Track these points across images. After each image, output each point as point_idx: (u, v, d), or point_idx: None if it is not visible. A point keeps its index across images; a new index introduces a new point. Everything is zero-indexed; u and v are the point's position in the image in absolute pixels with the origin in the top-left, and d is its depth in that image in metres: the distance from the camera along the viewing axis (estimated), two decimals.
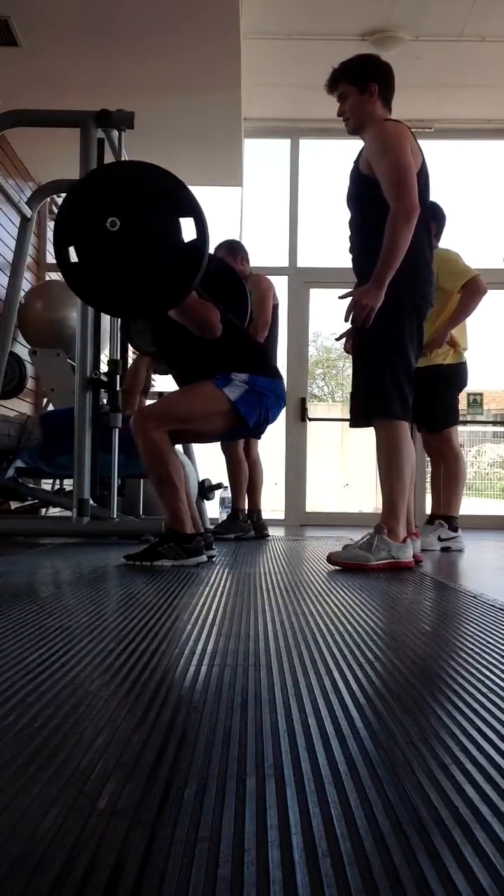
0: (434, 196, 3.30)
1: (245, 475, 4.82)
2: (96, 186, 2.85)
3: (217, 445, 4.83)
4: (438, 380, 4.20)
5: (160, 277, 2.74)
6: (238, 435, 3.46)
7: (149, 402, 5.05)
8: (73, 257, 2.79)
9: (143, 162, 2.84)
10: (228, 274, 3.21)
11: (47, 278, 6.40)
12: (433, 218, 3.67)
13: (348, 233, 3.24)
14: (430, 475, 4.52)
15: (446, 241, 4.30)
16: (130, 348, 4.46)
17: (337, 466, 10.23)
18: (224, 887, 0.61)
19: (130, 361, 4.90)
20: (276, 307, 4.90)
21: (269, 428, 3.41)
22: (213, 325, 3.02)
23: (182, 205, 2.74)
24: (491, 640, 1.63)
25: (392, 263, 2.93)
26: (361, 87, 3.14)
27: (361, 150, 3.16)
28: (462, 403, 7.57)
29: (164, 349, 3.34)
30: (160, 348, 3.39)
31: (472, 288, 4.15)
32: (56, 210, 6.49)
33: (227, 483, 4.96)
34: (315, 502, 7.22)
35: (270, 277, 5.12)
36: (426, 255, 3.15)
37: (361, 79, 3.14)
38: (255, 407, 3.07)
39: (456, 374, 4.34)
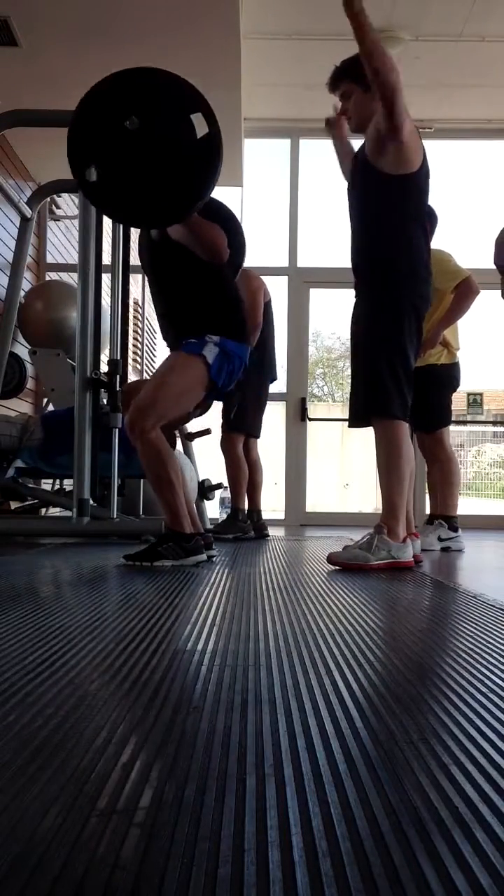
0: (433, 195, 3.30)
1: (244, 475, 4.81)
2: (110, 89, 2.85)
3: (217, 445, 4.83)
4: (433, 380, 4.20)
5: (184, 173, 2.75)
6: (205, 404, 3.43)
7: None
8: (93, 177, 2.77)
9: (146, 67, 2.86)
10: (218, 211, 3.23)
11: (47, 278, 6.40)
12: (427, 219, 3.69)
13: (350, 224, 3.25)
14: (427, 475, 4.53)
15: (440, 242, 4.31)
16: (131, 347, 4.45)
17: (337, 466, 10.22)
18: (224, 887, 0.61)
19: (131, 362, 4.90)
20: (268, 304, 4.87)
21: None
22: (221, 247, 3.04)
23: (191, 101, 2.76)
24: (491, 640, 1.63)
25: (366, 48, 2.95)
26: (365, 85, 3.13)
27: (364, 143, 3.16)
28: (462, 403, 7.57)
29: (159, 296, 3.31)
30: (157, 293, 3.37)
31: (465, 289, 4.18)
32: (56, 210, 6.51)
33: (226, 483, 4.95)
34: (315, 502, 7.23)
35: (270, 277, 5.12)
36: (424, 255, 3.15)
37: (365, 77, 3.14)
38: (223, 369, 3.09)
39: (450, 375, 4.35)
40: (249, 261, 5.25)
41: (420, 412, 4.12)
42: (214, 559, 3.35)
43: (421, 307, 3.15)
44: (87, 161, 2.76)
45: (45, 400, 5.61)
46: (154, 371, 3.23)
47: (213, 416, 4.77)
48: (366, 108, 3.14)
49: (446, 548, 4.21)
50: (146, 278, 3.52)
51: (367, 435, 3.25)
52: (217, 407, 4.79)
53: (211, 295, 3.11)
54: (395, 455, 3.06)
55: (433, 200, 3.26)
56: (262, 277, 4.96)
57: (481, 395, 7.45)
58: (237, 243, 3.22)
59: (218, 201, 3.25)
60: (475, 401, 7.40)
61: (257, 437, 4.89)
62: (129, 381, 5.09)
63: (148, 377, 6.03)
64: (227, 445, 4.76)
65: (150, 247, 3.22)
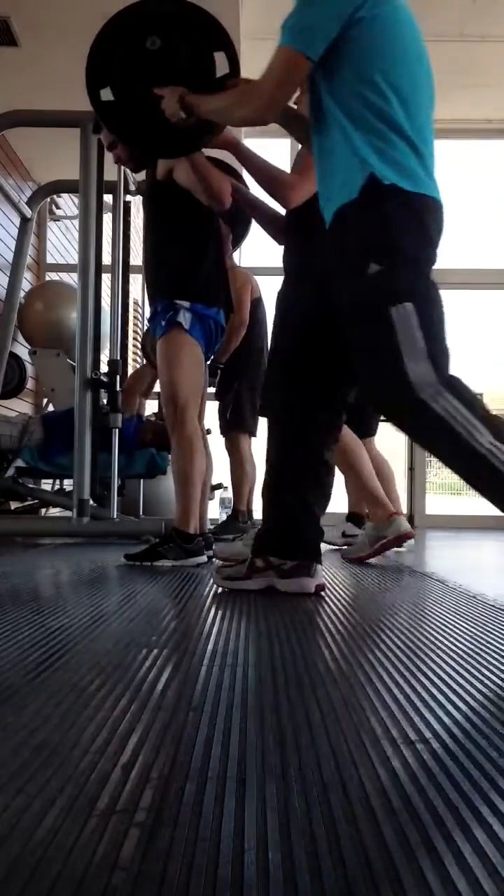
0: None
1: (248, 475, 4.79)
2: (136, 9, 2.82)
3: (216, 445, 4.82)
4: None
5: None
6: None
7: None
8: (108, 96, 2.73)
9: None
10: (229, 170, 3.22)
11: (47, 278, 6.40)
12: None
13: None
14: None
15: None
16: (131, 347, 4.44)
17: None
18: (224, 888, 0.61)
19: (131, 364, 4.90)
20: (258, 301, 4.84)
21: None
22: (225, 194, 3.06)
23: (218, 38, 2.74)
24: (491, 640, 1.63)
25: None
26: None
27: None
28: None
29: (147, 243, 3.33)
30: (146, 240, 3.35)
31: None
32: (56, 210, 6.51)
33: (227, 483, 4.93)
34: None
35: (270, 278, 5.09)
36: None
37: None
38: (202, 332, 3.12)
39: None
40: (250, 261, 5.26)
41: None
42: (214, 559, 3.35)
43: None
44: (104, 77, 2.73)
45: (45, 400, 5.61)
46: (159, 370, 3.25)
47: (212, 417, 4.77)
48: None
49: (348, 543, 4.12)
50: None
51: None
52: (213, 408, 4.80)
53: (192, 254, 3.13)
54: (353, 454, 3.27)
55: None
56: (261, 277, 4.95)
57: (481, 395, 7.44)
58: (240, 211, 3.25)
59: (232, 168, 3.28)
60: None
61: (255, 435, 4.88)
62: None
63: None
64: (231, 445, 4.75)
65: (151, 188, 3.25)
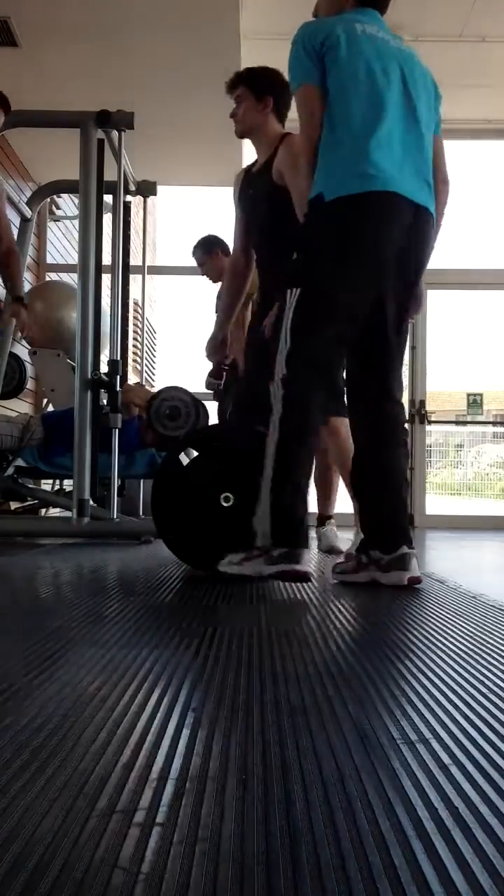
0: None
1: None
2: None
3: None
4: None
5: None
6: None
7: None
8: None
9: None
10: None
11: (47, 278, 6.40)
12: None
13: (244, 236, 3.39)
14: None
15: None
16: (131, 348, 4.42)
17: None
18: (224, 888, 0.61)
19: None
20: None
21: None
22: None
23: None
24: (491, 640, 1.63)
25: None
26: (257, 95, 3.24)
27: (265, 162, 3.32)
28: (462, 403, 7.57)
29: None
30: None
31: None
32: (56, 210, 6.50)
33: None
34: (315, 502, 7.22)
35: None
36: None
37: (259, 88, 3.24)
38: None
39: None
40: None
41: None
42: None
43: None
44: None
45: (45, 400, 5.61)
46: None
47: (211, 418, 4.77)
48: (253, 118, 3.25)
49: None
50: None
51: None
52: (212, 408, 4.79)
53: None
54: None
55: None
56: None
57: (481, 395, 7.44)
58: None
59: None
60: (475, 401, 7.40)
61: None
62: (128, 381, 5.10)
63: (148, 379, 6.04)
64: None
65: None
